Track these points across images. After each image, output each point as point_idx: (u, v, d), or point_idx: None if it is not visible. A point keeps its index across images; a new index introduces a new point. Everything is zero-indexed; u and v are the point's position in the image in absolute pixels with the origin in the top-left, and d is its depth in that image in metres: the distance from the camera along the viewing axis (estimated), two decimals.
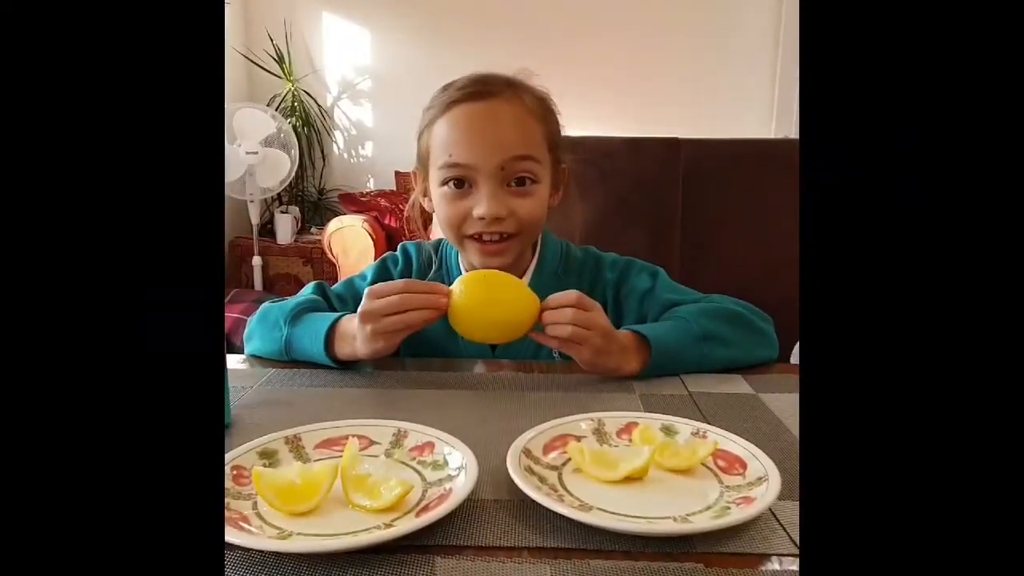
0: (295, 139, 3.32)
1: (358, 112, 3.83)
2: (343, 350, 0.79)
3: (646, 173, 1.16)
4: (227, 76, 3.30)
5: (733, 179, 1.18)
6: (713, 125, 3.35)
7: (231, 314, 2.86)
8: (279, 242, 3.51)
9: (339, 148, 3.86)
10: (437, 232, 0.98)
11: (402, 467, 0.55)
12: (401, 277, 0.97)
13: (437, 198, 0.89)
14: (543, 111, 0.89)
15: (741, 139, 1.28)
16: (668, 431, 0.60)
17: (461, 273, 0.94)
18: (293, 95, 3.63)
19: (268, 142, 3.18)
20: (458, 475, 0.51)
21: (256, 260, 3.39)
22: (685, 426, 0.60)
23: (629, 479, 0.52)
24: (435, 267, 0.97)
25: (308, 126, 3.68)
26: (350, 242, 3.20)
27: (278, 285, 3.46)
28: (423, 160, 0.91)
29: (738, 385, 0.76)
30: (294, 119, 3.58)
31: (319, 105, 3.75)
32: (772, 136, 3.52)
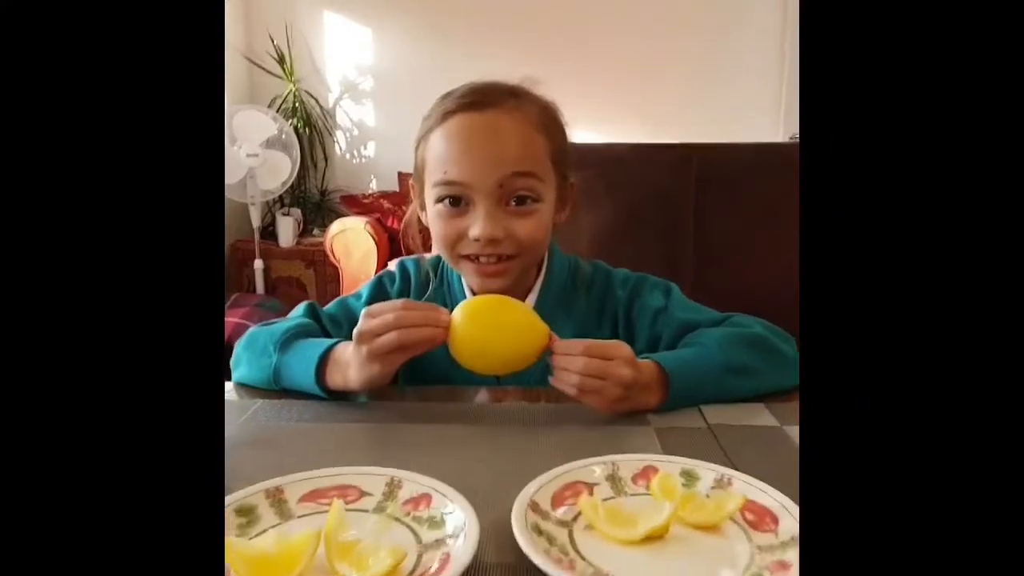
0: (296, 140, 3.28)
1: (360, 112, 3.78)
2: (335, 379, 0.74)
3: (656, 182, 1.10)
4: (227, 77, 3.25)
5: (747, 187, 1.12)
6: (721, 127, 3.28)
7: (232, 319, 2.82)
8: (281, 245, 3.47)
9: (341, 149, 3.81)
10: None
11: (395, 524, 0.49)
12: (399, 295, 0.91)
13: (432, 215, 0.83)
14: (548, 122, 0.83)
15: (755, 143, 1.22)
16: (689, 476, 0.54)
17: (463, 290, 0.88)
18: (294, 96, 3.58)
19: (269, 144, 3.14)
20: (457, 537, 0.46)
21: (257, 263, 3.35)
22: (708, 471, 0.55)
23: (649, 538, 0.47)
24: (435, 284, 0.91)
25: (309, 127, 3.63)
26: (352, 244, 3.15)
27: (280, 289, 3.42)
28: (419, 173, 0.85)
29: (761, 416, 0.71)
30: (295, 120, 3.53)
31: (321, 106, 3.70)
32: (781, 138, 3.45)
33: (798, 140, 0.35)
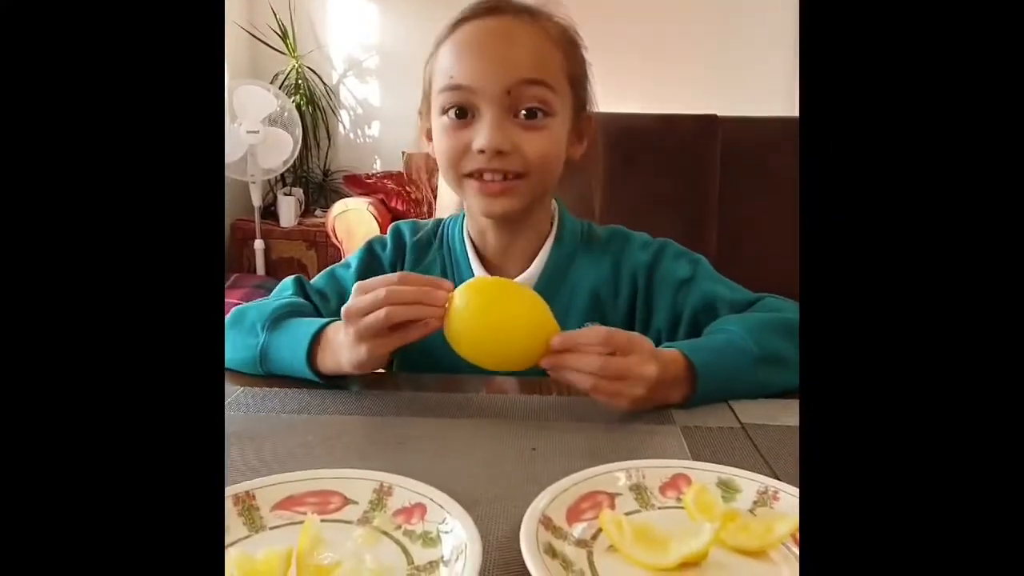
0: (299, 118, 3.20)
1: (364, 90, 3.69)
2: (326, 362, 0.66)
3: (678, 155, 1.01)
4: (228, 52, 3.17)
5: (778, 162, 1.04)
6: (739, 103, 3.18)
7: (230, 300, 2.75)
8: (282, 225, 3.40)
9: (345, 128, 3.73)
10: (443, 193, 0.85)
11: (383, 539, 0.42)
12: (391, 262, 0.83)
13: (437, 131, 0.75)
14: (566, 42, 0.76)
15: (782, 117, 1.14)
16: (727, 488, 0.47)
17: (466, 253, 0.81)
18: (297, 72, 3.49)
19: (271, 121, 3.06)
20: (456, 561, 0.38)
21: (258, 243, 3.28)
22: (748, 482, 0.47)
23: (684, 564, 0.39)
24: (435, 246, 0.84)
25: (312, 104, 3.55)
26: (355, 226, 3.07)
27: (281, 269, 3.35)
28: (427, 93, 0.78)
29: (799, 413, 0.63)
30: (298, 97, 3.45)
31: (324, 83, 3.61)
32: (797, 110, 3.34)
33: None
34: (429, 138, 0.79)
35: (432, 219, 0.87)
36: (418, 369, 0.76)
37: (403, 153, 3.42)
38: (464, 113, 0.72)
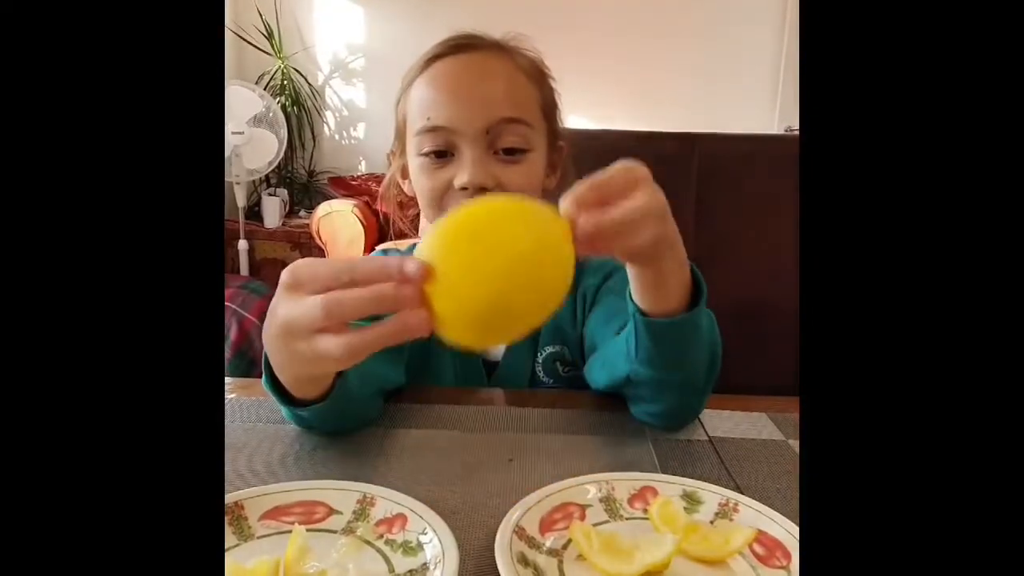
0: (284, 119, 3.20)
1: (350, 92, 3.70)
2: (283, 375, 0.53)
3: (657, 172, 1.04)
4: None
5: (753, 177, 1.07)
6: (715, 118, 3.23)
7: None
8: (266, 226, 3.40)
9: (330, 129, 3.74)
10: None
11: (365, 549, 0.44)
12: None
13: (415, 170, 0.76)
14: (537, 74, 0.78)
15: (760, 135, 1.17)
16: (691, 500, 0.50)
17: None
18: (283, 73, 3.50)
19: (256, 121, 3.06)
20: (434, 570, 0.41)
21: (242, 244, 3.28)
22: (711, 495, 0.50)
23: (648, 573, 0.42)
24: None
25: (298, 106, 3.55)
26: (339, 228, 3.09)
27: (265, 270, 3.35)
28: (400, 132, 0.80)
29: (764, 428, 0.66)
30: (283, 98, 3.45)
31: (310, 84, 3.62)
32: (776, 130, 3.40)
33: (792, 132, 0.32)
34: (404, 176, 0.80)
35: (407, 246, 0.88)
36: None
37: (388, 155, 3.44)
38: (443, 154, 0.73)
